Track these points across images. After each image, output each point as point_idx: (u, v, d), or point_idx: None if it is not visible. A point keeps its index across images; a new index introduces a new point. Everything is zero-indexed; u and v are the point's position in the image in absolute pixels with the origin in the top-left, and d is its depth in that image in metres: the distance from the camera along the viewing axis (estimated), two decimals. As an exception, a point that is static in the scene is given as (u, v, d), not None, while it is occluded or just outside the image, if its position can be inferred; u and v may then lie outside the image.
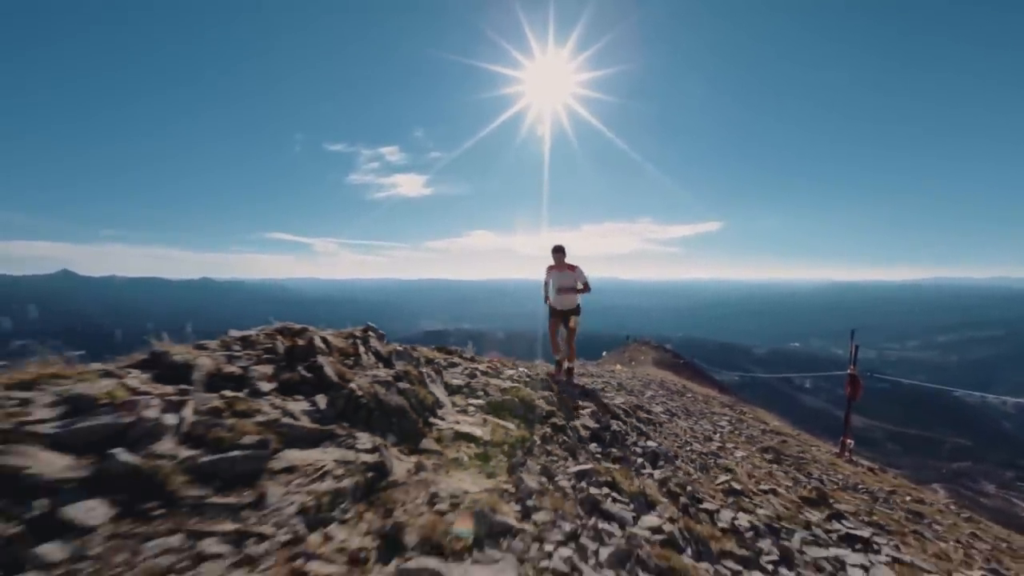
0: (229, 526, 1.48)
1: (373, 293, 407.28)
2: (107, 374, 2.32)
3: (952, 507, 6.40)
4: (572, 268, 6.71)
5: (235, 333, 3.11)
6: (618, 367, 13.26)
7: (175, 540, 1.37)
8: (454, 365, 4.84)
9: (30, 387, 1.96)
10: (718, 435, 6.50)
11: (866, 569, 3.23)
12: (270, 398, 2.46)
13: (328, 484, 1.81)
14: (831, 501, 4.73)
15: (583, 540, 2.11)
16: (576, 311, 6.77)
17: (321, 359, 2.93)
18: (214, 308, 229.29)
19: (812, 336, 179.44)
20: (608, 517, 2.51)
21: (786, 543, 3.23)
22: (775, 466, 5.65)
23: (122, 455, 1.58)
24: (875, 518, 4.62)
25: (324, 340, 3.34)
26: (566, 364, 6.91)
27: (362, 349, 3.56)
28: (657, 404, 7.06)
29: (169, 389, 2.22)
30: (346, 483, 1.86)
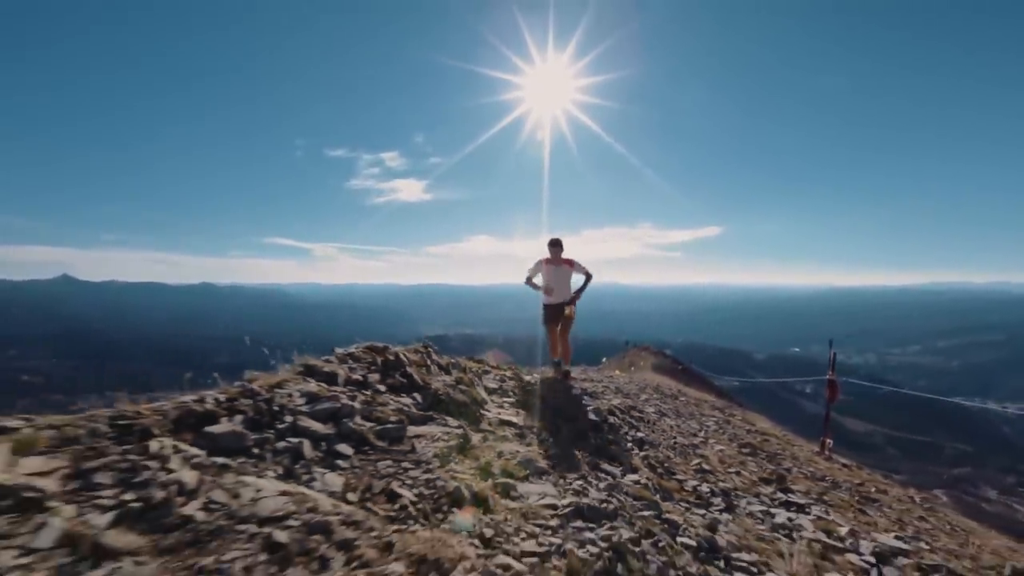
0: (404, 460, 2.81)
1: (373, 298, 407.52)
2: (305, 380, 3.50)
3: (916, 499, 6.67)
4: (570, 264, 6.21)
5: (340, 351, 4.33)
6: (617, 372, 13.45)
7: (388, 463, 2.70)
8: (487, 372, 6.03)
9: (282, 386, 3.17)
10: (702, 432, 7.10)
11: (790, 520, 4.13)
12: (387, 395, 3.78)
13: (442, 444, 3.14)
14: (787, 481, 5.42)
15: (589, 479, 3.50)
16: (572, 300, 6.29)
17: (410, 368, 4.31)
18: (214, 313, 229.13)
19: (812, 341, 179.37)
20: (604, 472, 3.90)
21: (733, 501, 4.28)
22: (749, 457, 6.30)
23: (347, 423, 2.96)
24: (825, 497, 5.17)
25: (405, 354, 4.56)
26: (564, 367, 6.57)
27: (429, 361, 4.86)
28: (650, 406, 7.52)
29: (339, 389, 3.50)
30: (452, 444, 3.18)
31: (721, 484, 4.63)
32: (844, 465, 7.55)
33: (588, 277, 6.28)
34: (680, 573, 2.49)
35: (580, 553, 2.17)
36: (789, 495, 4.90)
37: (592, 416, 5.34)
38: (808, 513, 4.42)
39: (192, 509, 1.70)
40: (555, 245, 6.22)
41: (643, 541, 2.58)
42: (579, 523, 2.57)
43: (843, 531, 4.21)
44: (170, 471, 1.88)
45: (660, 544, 2.69)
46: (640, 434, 5.43)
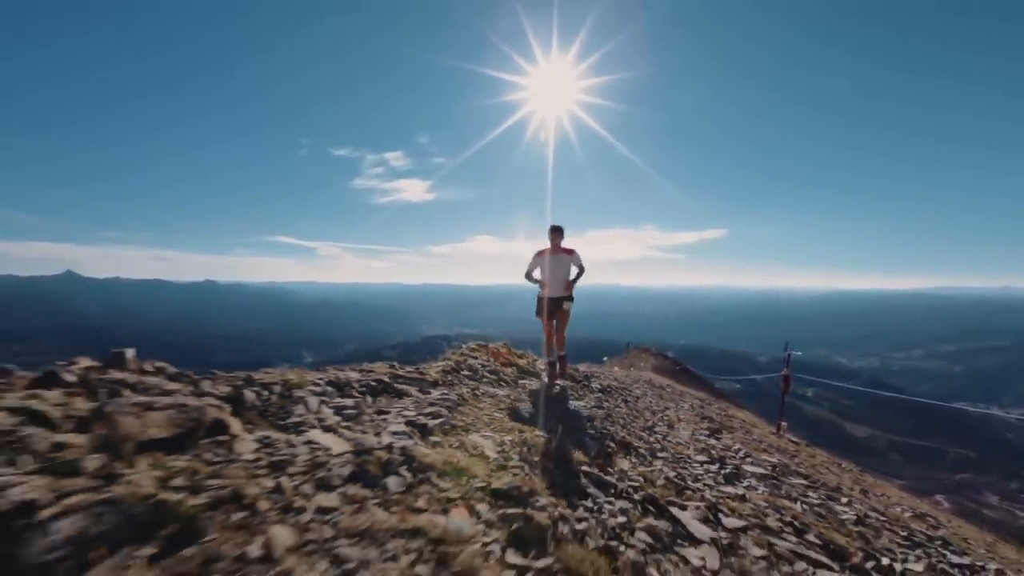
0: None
1: (376, 297, 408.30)
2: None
3: (844, 465, 7.65)
4: (570, 252, 5.84)
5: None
6: (617, 370, 13.68)
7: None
8: (522, 357, 7.18)
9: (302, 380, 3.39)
10: (674, 408, 7.97)
11: (705, 439, 5.64)
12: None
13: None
14: (722, 432, 6.48)
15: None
16: (569, 297, 5.94)
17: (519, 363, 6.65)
18: (217, 311, 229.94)
19: (815, 345, 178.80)
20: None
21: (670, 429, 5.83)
22: (704, 422, 7.10)
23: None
24: (748, 447, 5.95)
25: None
26: (557, 362, 6.15)
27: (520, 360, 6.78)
28: (638, 390, 8.74)
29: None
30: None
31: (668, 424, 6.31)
32: (793, 442, 8.39)
33: (580, 271, 5.95)
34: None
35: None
36: (718, 436, 6.28)
37: (595, 386, 6.96)
38: (720, 440, 5.98)
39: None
40: (556, 232, 5.86)
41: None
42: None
43: (736, 446, 5.78)
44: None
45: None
46: (622, 406, 6.50)
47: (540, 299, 6.06)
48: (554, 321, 6.05)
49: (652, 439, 4.84)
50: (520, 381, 5.67)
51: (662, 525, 2.44)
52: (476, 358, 5.92)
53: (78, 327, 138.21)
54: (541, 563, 1.69)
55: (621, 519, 2.36)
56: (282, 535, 1.45)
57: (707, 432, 6.44)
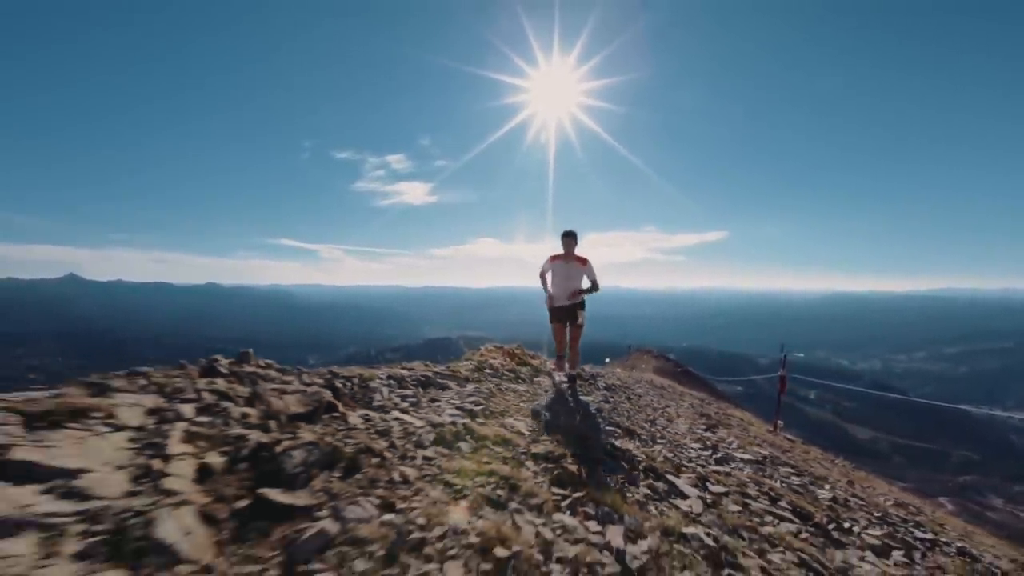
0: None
1: (377, 300, 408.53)
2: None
3: (838, 462, 7.83)
4: (583, 262, 5.58)
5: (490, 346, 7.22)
6: (619, 371, 13.87)
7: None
8: (535, 358, 7.64)
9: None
10: (673, 405, 8.29)
11: (701, 432, 6.01)
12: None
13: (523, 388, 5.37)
14: (718, 427, 6.80)
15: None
16: (581, 305, 5.77)
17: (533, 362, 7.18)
18: (220, 314, 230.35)
19: (817, 347, 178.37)
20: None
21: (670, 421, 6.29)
22: (701, 419, 7.42)
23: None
24: (744, 441, 6.14)
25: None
26: (567, 369, 6.11)
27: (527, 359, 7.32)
28: (640, 389, 9.21)
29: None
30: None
31: (667, 419, 6.63)
32: (789, 439, 8.72)
33: (594, 286, 5.70)
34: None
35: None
36: (713, 430, 6.63)
37: (601, 384, 7.43)
38: (715, 433, 6.43)
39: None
40: (568, 237, 5.58)
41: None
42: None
43: (730, 439, 5.99)
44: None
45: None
46: (625, 402, 6.86)
47: (551, 310, 5.92)
48: (565, 326, 5.90)
49: (653, 429, 5.41)
50: (535, 379, 6.19)
51: (660, 485, 3.28)
52: (495, 358, 6.47)
53: (81, 330, 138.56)
54: (576, 494, 2.59)
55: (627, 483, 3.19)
56: (409, 471, 2.37)
57: (704, 427, 6.81)
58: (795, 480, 4.87)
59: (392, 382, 4.09)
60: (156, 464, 1.75)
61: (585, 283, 5.71)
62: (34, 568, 1.19)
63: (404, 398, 3.74)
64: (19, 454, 1.52)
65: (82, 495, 1.48)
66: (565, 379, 6.14)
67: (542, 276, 5.91)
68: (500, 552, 1.79)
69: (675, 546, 2.29)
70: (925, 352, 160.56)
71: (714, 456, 4.94)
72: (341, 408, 2.94)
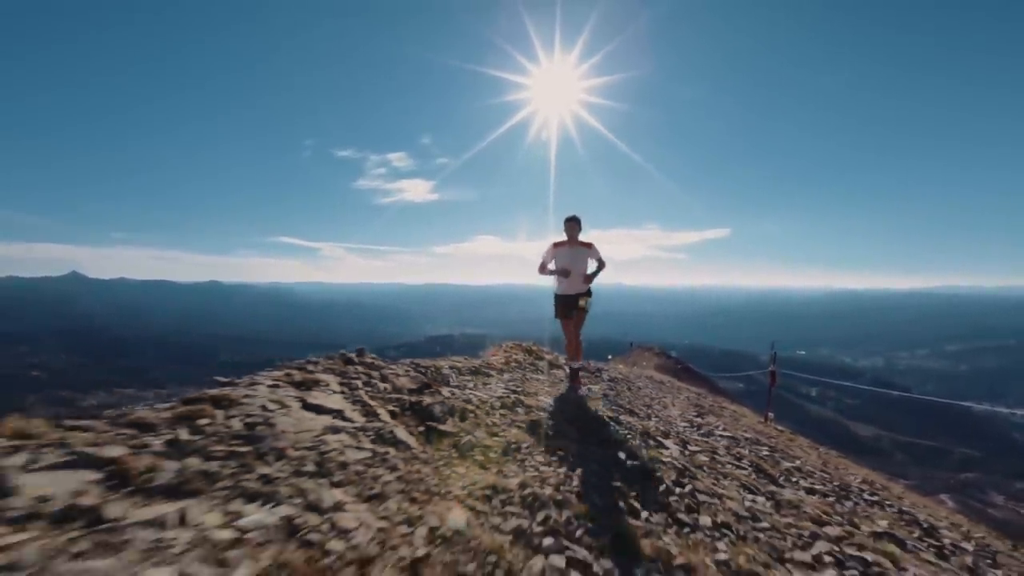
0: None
1: (379, 297, 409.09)
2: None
3: (820, 451, 8.14)
4: (588, 246, 5.39)
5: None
6: (620, 366, 14.03)
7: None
8: (548, 353, 8.50)
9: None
10: (670, 397, 8.89)
11: (689, 419, 6.69)
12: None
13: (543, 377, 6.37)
14: (708, 415, 7.53)
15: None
16: (587, 292, 5.47)
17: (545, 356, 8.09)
18: (221, 311, 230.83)
19: (819, 344, 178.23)
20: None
21: (659, 407, 6.88)
22: (694, 408, 8.11)
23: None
24: (732, 428, 6.76)
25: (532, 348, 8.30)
26: (574, 364, 5.83)
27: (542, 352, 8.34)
28: (640, 382, 9.80)
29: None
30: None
31: (662, 406, 7.30)
32: (778, 429, 9.20)
33: (601, 265, 5.48)
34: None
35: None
36: (703, 416, 7.25)
37: (606, 377, 8.26)
38: (704, 419, 7.06)
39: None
40: (573, 222, 5.35)
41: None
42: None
43: (717, 423, 6.80)
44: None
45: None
46: (627, 393, 7.48)
47: (556, 297, 5.56)
48: (572, 321, 5.56)
49: (649, 411, 6.18)
50: (551, 371, 6.99)
51: (650, 441, 4.26)
52: (517, 354, 7.42)
53: (83, 328, 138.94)
54: (595, 438, 3.92)
55: (628, 435, 4.24)
56: (496, 420, 3.73)
57: (695, 414, 7.44)
58: (765, 452, 5.48)
59: (454, 370, 5.19)
60: (367, 409, 3.16)
61: (592, 266, 5.45)
62: (346, 447, 2.45)
63: (466, 381, 4.93)
64: (312, 400, 2.95)
65: (349, 420, 2.87)
66: (576, 392, 5.76)
67: (543, 267, 5.50)
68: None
69: (656, 464, 3.50)
70: (927, 349, 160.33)
71: (698, 431, 5.74)
72: (434, 386, 4.12)
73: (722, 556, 2.32)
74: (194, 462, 1.87)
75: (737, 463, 4.34)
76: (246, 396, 2.68)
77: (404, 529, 1.87)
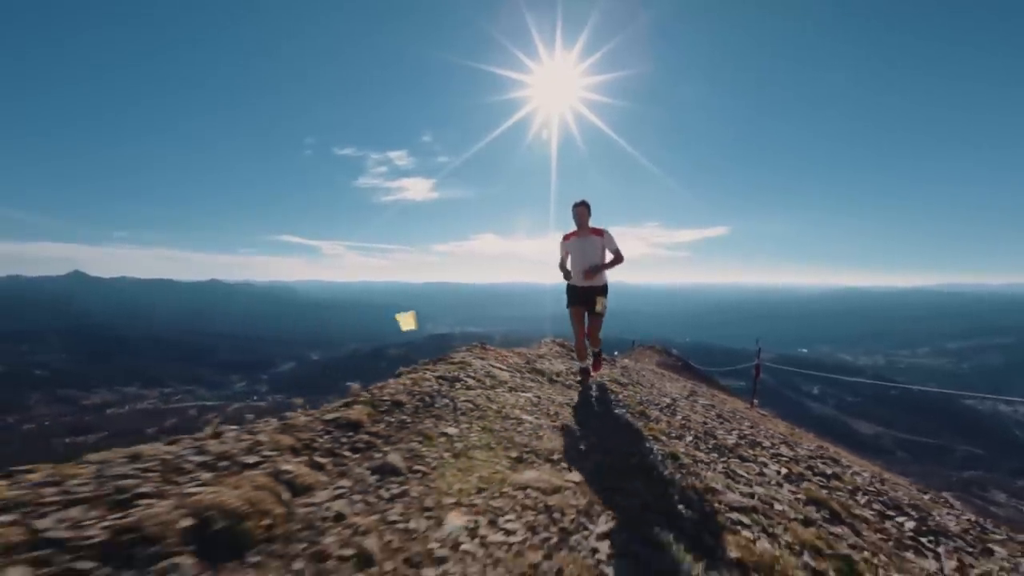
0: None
1: (379, 295, 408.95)
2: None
3: (807, 435, 8.70)
4: (599, 233, 4.99)
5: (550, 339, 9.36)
6: (626, 360, 14.26)
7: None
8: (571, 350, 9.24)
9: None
10: (668, 384, 9.50)
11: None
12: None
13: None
14: (697, 395, 8.39)
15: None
16: (603, 290, 5.13)
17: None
18: (223, 310, 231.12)
19: (820, 342, 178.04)
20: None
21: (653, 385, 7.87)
22: (686, 392, 8.88)
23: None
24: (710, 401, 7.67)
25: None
26: (591, 352, 5.61)
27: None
28: (644, 372, 10.59)
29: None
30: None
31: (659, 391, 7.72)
32: (762, 413, 9.96)
33: (616, 257, 5.07)
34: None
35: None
36: (693, 400, 7.75)
37: (618, 365, 9.26)
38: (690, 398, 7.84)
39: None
40: (581, 207, 4.99)
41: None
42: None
43: (703, 401, 7.55)
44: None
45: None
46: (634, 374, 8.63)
47: (569, 287, 5.26)
48: (584, 315, 5.25)
49: (644, 390, 6.82)
50: (571, 359, 7.81)
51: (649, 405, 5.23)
52: (549, 348, 8.47)
53: (85, 326, 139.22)
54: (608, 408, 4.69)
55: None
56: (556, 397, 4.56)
57: (687, 393, 8.24)
58: (727, 415, 6.32)
59: (536, 358, 6.59)
60: (517, 370, 5.22)
61: (607, 257, 5.09)
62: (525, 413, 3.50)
63: (553, 364, 6.41)
64: (495, 367, 5.01)
65: (527, 391, 4.36)
66: (592, 387, 5.47)
67: (563, 265, 5.22)
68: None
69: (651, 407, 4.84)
70: (928, 347, 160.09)
71: (686, 398, 7.11)
72: (534, 362, 5.80)
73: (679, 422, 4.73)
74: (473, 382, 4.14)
75: (701, 415, 5.82)
76: (467, 361, 5.04)
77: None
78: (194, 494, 1.52)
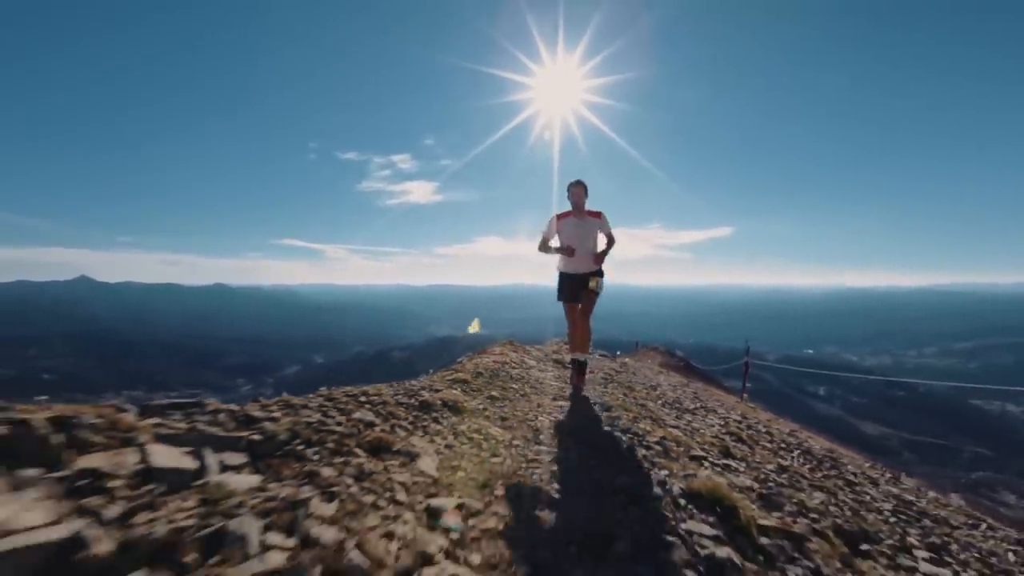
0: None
1: (383, 299, 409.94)
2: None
3: (790, 425, 9.09)
4: (597, 216, 4.60)
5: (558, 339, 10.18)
6: (627, 360, 14.37)
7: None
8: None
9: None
10: (663, 378, 9.96)
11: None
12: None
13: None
14: (687, 386, 8.96)
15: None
16: (599, 272, 4.64)
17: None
18: (227, 314, 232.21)
19: (825, 343, 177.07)
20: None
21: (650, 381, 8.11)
22: (678, 384, 9.48)
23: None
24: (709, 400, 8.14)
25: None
26: (579, 356, 4.94)
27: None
28: (643, 369, 10.83)
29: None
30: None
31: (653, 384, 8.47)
32: (751, 407, 10.31)
33: (610, 241, 4.69)
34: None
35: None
36: (681, 387, 8.69)
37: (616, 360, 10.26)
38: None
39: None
40: (577, 186, 4.54)
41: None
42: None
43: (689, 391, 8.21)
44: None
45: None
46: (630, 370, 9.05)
47: (561, 276, 4.77)
48: (578, 305, 4.70)
49: (636, 377, 7.61)
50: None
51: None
52: (558, 347, 8.85)
53: (92, 330, 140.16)
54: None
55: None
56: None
57: (673, 384, 8.68)
58: (703, 398, 7.23)
59: (551, 352, 7.68)
60: (551, 363, 6.74)
61: (602, 241, 4.68)
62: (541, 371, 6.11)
63: (564, 356, 7.13)
64: (528, 359, 6.67)
65: (548, 371, 6.16)
66: (582, 396, 4.71)
67: (544, 243, 4.73)
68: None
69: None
70: (936, 347, 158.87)
71: (671, 389, 7.68)
72: (563, 351, 6.77)
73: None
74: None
75: (681, 392, 7.09)
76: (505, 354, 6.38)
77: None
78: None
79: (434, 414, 2.95)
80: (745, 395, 12.14)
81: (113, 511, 1.13)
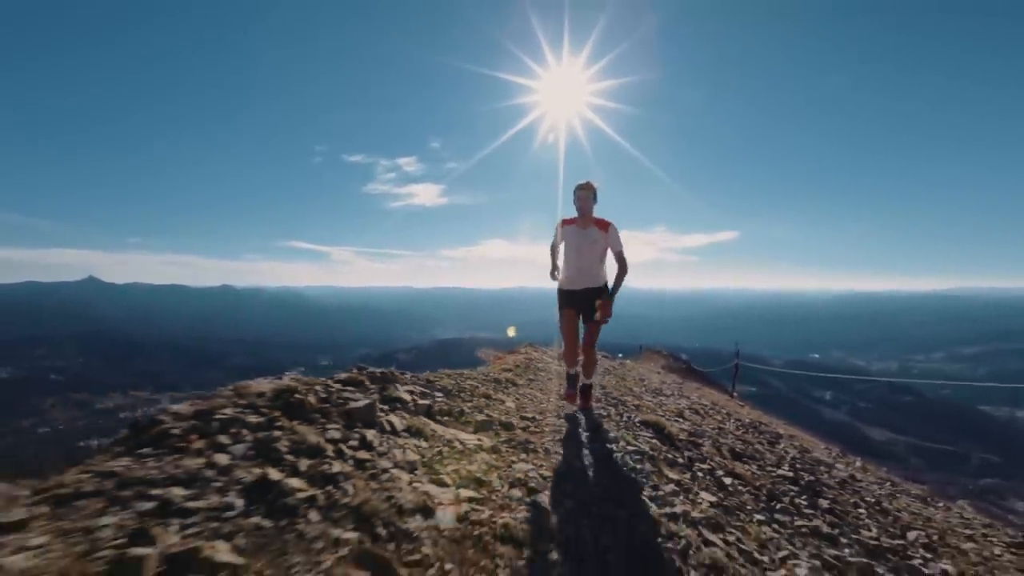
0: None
1: (388, 301, 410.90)
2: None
3: (776, 422, 9.69)
4: (604, 227, 4.00)
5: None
6: (629, 362, 14.45)
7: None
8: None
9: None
10: (658, 378, 10.46)
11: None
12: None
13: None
14: (684, 384, 9.81)
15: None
16: (603, 291, 4.13)
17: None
18: (233, 315, 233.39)
19: (832, 347, 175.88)
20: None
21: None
22: (673, 382, 10.47)
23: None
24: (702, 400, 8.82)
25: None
26: (582, 379, 4.44)
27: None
28: (641, 369, 11.65)
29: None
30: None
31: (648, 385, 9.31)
32: (740, 404, 10.91)
33: (622, 268, 4.09)
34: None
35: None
36: (673, 384, 9.82)
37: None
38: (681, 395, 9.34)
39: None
40: (584, 190, 4.01)
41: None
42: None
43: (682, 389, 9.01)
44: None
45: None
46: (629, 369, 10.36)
47: (559, 291, 4.28)
48: (577, 316, 4.21)
49: (631, 373, 8.72)
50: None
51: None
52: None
53: (100, 331, 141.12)
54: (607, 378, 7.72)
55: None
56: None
57: (666, 381, 9.72)
58: (688, 393, 8.43)
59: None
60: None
61: (607, 259, 4.16)
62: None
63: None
64: (546, 356, 8.27)
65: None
66: (577, 406, 4.45)
67: (553, 250, 4.28)
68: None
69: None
70: (943, 352, 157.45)
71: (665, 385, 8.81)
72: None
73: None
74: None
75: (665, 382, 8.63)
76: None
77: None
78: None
79: (504, 385, 5.05)
80: (735, 393, 12.72)
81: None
